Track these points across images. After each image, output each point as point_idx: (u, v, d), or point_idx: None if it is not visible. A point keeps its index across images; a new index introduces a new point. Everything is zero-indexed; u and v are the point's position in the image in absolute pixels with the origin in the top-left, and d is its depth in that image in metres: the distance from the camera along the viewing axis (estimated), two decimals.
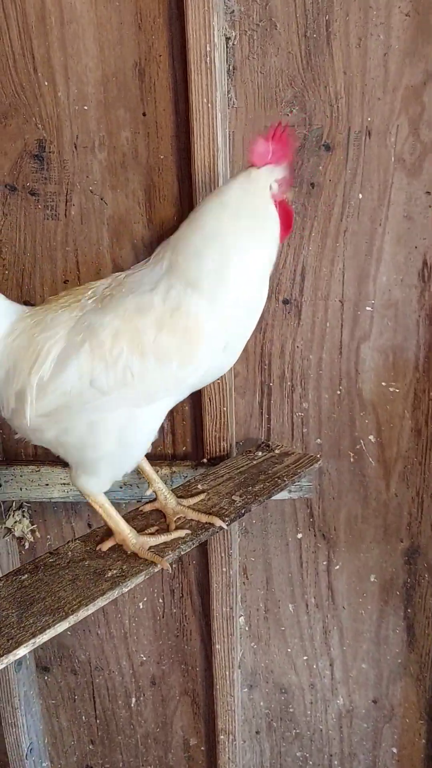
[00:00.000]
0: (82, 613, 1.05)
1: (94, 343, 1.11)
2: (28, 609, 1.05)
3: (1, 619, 1.03)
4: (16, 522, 1.86)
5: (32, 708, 2.05)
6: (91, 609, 1.06)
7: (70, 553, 1.21)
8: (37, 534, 1.90)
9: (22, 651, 0.96)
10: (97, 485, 1.21)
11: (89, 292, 1.21)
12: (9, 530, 1.87)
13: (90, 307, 1.17)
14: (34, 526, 1.89)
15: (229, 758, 1.95)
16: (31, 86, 1.51)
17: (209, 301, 1.10)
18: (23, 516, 1.88)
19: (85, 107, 1.52)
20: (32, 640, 0.98)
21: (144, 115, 1.51)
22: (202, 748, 2.08)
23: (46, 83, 1.51)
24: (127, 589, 1.12)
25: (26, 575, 1.15)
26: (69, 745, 2.15)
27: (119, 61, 1.48)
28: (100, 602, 1.08)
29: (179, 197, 1.57)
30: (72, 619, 1.03)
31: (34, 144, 1.56)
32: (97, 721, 2.10)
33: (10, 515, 1.84)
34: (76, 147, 1.55)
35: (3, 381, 1.18)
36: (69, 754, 2.16)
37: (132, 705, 2.06)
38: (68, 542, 1.25)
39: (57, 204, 1.61)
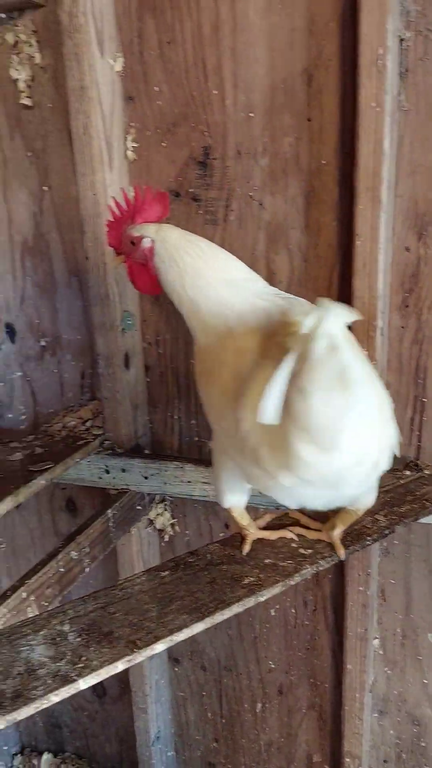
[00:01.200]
0: (218, 617, 1.06)
1: None
2: (167, 605, 1.08)
3: (142, 612, 1.06)
4: (158, 514, 1.93)
5: (162, 697, 2.11)
6: (227, 614, 1.07)
7: (209, 555, 1.22)
8: (177, 528, 1.96)
9: (160, 647, 0.99)
10: None
11: None
12: (151, 522, 1.94)
13: None
14: (175, 520, 1.95)
15: None
16: (200, 95, 1.56)
17: None
18: (165, 509, 1.94)
19: (251, 114, 1.53)
20: (169, 637, 1.00)
21: (309, 120, 1.50)
22: (326, 767, 2.03)
23: (215, 91, 1.54)
24: (263, 599, 1.11)
25: (167, 572, 1.18)
26: (194, 739, 2.20)
27: (288, 67, 1.48)
28: (236, 608, 1.08)
29: (339, 203, 1.53)
30: (208, 621, 1.04)
31: (200, 151, 1.60)
32: (223, 720, 2.13)
33: (153, 507, 1.91)
34: (239, 153, 1.57)
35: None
36: (193, 748, 2.21)
37: (258, 710, 2.06)
38: (207, 544, 1.27)
39: (217, 209, 1.64)
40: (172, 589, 1.13)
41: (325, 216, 1.55)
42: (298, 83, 1.48)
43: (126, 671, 2.10)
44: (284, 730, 2.05)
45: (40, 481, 1.56)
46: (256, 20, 1.47)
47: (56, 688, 0.89)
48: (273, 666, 1.99)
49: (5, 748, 2.39)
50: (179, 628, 1.02)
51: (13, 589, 1.38)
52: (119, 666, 0.95)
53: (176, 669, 2.13)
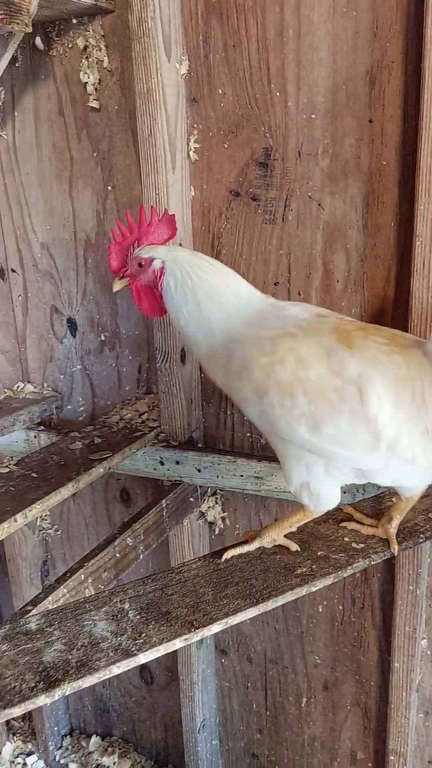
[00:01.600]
0: (271, 604, 1.09)
1: None
2: (223, 590, 1.12)
3: (198, 595, 1.11)
4: (209, 507, 1.97)
5: (208, 686, 2.16)
6: (280, 601, 1.10)
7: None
8: (227, 522, 2.00)
9: (216, 627, 1.03)
10: None
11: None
12: (202, 514, 1.99)
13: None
14: (225, 513, 1.99)
15: None
16: (263, 97, 1.59)
17: None
18: (216, 503, 1.98)
19: (313, 116, 1.56)
20: (225, 620, 1.04)
21: (370, 122, 1.52)
22: (369, 765, 2.04)
23: (278, 94, 1.57)
24: (315, 589, 1.14)
25: (221, 560, 1.22)
26: (238, 730, 2.23)
27: (351, 69, 1.50)
28: (289, 596, 1.11)
29: (398, 203, 1.55)
30: (261, 607, 1.08)
31: (261, 152, 1.64)
32: (267, 712, 2.16)
33: (205, 500, 1.96)
34: (299, 154, 1.60)
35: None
36: (237, 738, 2.24)
37: (302, 704, 2.08)
38: None
39: (276, 209, 1.67)
40: (227, 575, 1.17)
41: (384, 216, 1.57)
42: (360, 85, 1.50)
43: (174, 659, 2.15)
44: (328, 725, 2.07)
45: (99, 469, 1.62)
46: (320, 24, 1.49)
47: (118, 661, 0.94)
48: (319, 661, 2.01)
49: (56, 728, 2.47)
50: (234, 612, 1.06)
51: (72, 571, 1.45)
52: (177, 644, 1.00)
53: (223, 660, 2.17)
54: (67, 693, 0.89)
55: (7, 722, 2.55)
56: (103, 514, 2.20)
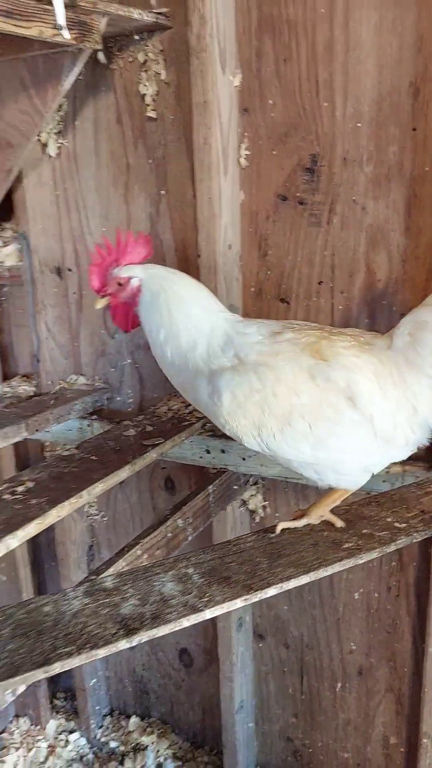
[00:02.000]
0: (322, 573, 1.18)
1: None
2: (276, 560, 1.22)
3: (254, 563, 1.21)
4: (251, 496, 2.07)
5: (246, 669, 2.25)
6: (329, 571, 1.20)
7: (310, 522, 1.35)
8: (267, 510, 2.09)
9: (272, 591, 1.13)
10: None
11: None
12: (244, 502, 2.08)
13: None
14: (266, 502, 2.08)
15: (429, 763, 1.95)
16: (311, 108, 1.69)
17: None
18: (258, 491, 2.08)
19: (358, 124, 1.66)
20: (279, 584, 1.14)
21: (414, 130, 1.61)
22: (402, 750, 2.11)
23: (325, 104, 1.68)
24: (361, 561, 1.23)
25: (273, 534, 1.32)
26: (274, 713, 2.32)
27: (395, 81, 1.59)
28: (337, 567, 1.21)
29: None
30: (313, 575, 1.17)
31: (308, 158, 1.74)
32: (302, 696, 2.24)
33: (247, 489, 2.06)
34: (345, 161, 1.70)
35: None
36: (273, 721, 2.33)
37: (337, 689, 2.16)
38: None
39: (321, 212, 1.77)
40: (279, 548, 1.27)
41: (425, 219, 1.66)
42: (404, 96, 1.60)
43: (214, 642, 2.25)
44: (362, 710, 2.14)
45: (152, 454, 1.73)
46: (367, 38, 1.60)
47: (187, 615, 1.05)
48: (354, 647, 2.09)
49: (97, 708, 2.58)
50: (288, 578, 1.16)
51: (129, 546, 1.56)
52: (238, 603, 1.10)
53: (260, 645, 2.26)
54: (144, 640, 1.00)
55: (51, 701, 2.66)
56: (148, 502, 2.31)
